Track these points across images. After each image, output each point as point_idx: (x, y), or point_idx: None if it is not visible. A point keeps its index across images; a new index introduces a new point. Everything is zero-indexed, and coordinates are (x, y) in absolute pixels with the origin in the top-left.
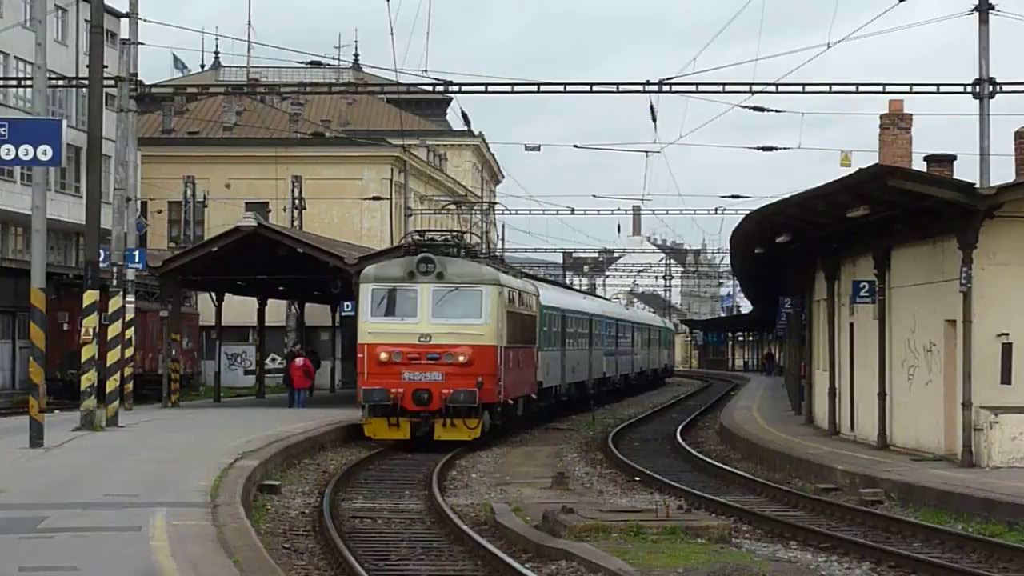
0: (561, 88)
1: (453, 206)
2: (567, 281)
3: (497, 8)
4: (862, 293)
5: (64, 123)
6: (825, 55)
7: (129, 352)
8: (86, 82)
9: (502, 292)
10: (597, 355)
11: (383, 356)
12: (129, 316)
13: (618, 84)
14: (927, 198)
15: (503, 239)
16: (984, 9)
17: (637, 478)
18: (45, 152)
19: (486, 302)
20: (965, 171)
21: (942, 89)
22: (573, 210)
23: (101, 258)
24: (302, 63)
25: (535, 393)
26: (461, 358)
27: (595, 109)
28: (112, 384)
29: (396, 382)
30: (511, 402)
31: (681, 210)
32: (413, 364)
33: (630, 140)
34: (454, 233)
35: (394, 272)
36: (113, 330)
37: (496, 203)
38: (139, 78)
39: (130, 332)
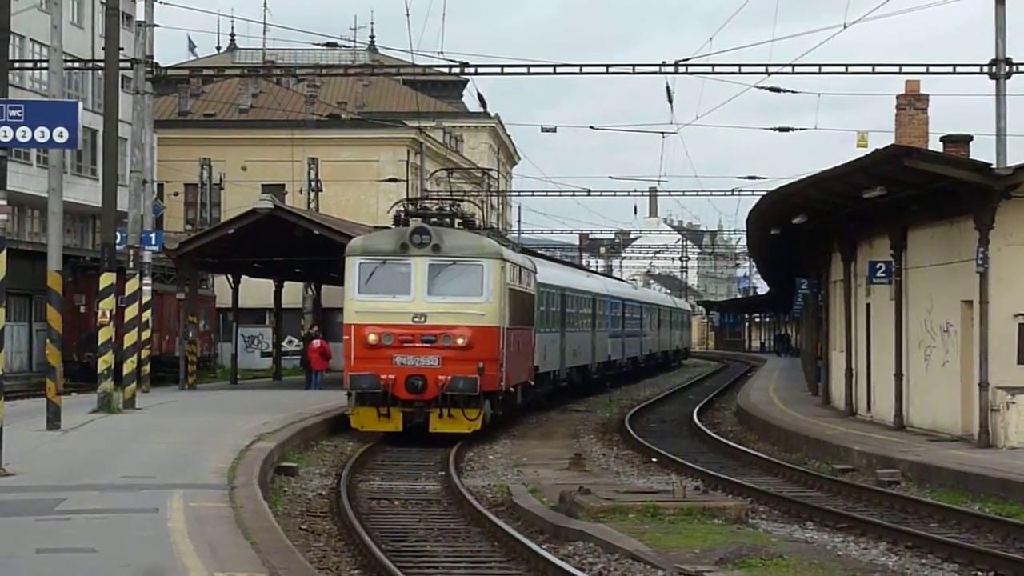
0: (577, 69)
1: (444, 173)
2: (583, 262)
3: None
4: (879, 274)
5: (80, 105)
6: (842, 38)
7: (146, 334)
8: (102, 64)
9: (504, 267)
10: (601, 337)
11: (372, 338)
12: (146, 298)
13: (634, 65)
14: (944, 178)
15: (520, 220)
16: None
17: (654, 459)
18: (61, 134)
19: (488, 278)
20: (982, 151)
21: (958, 70)
22: (589, 191)
23: (118, 240)
24: (318, 45)
25: (532, 379)
26: (460, 340)
27: (617, 93)
28: (129, 366)
29: (386, 367)
30: (512, 390)
31: (698, 191)
32: (406, 347)
33: (649, 123)
34: (449, 201)
35: (384, 244)
36: (130, 312)
37: (491, 169)
38: (155, 60)
39: (147, 314)
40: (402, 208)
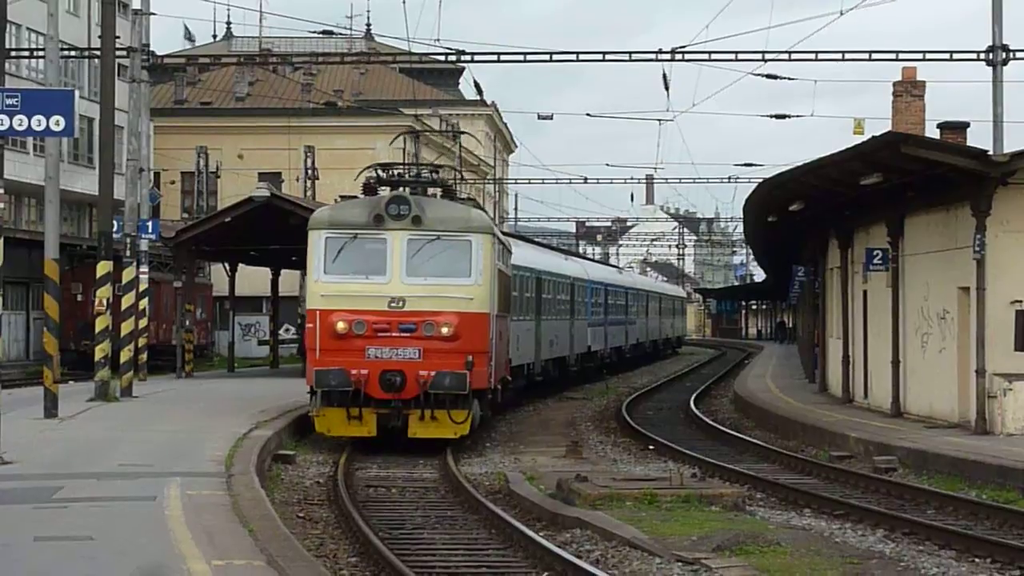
0: (574, 57)
1: (404, 137)
2: (580, 250)
3: None
4: (875, 261)
5: (76, 93)
6: (840, 28)
7: (143, 323)
8: (98, 53)
9: (494, 244)
10: (580, 326)
11: (340, 327)
12: (143, 287)
13: (631, 52)
14: (940, 165)
15: (516, 208)
16: None
17: (651, 447)
18: (58, 123)
19: (477, 256)
20: (978, 138)
21: (955, 56)
22: (586, 179)
23: (114, 229)
24: (314, 33)
25: (509, 374)
26: (444, 329)
27: (619, 83)
28: (126, 355)
29: (358, 361)
30: (498, 387)
31: (694, 179)
32: (381, 337)
33: (648, 111)
34: (429, 167)
35: (355, 216)
36: (127, 301)
37: (463, 132)
38: (151, 49)
39: (144, 303)
40: (372, 175)
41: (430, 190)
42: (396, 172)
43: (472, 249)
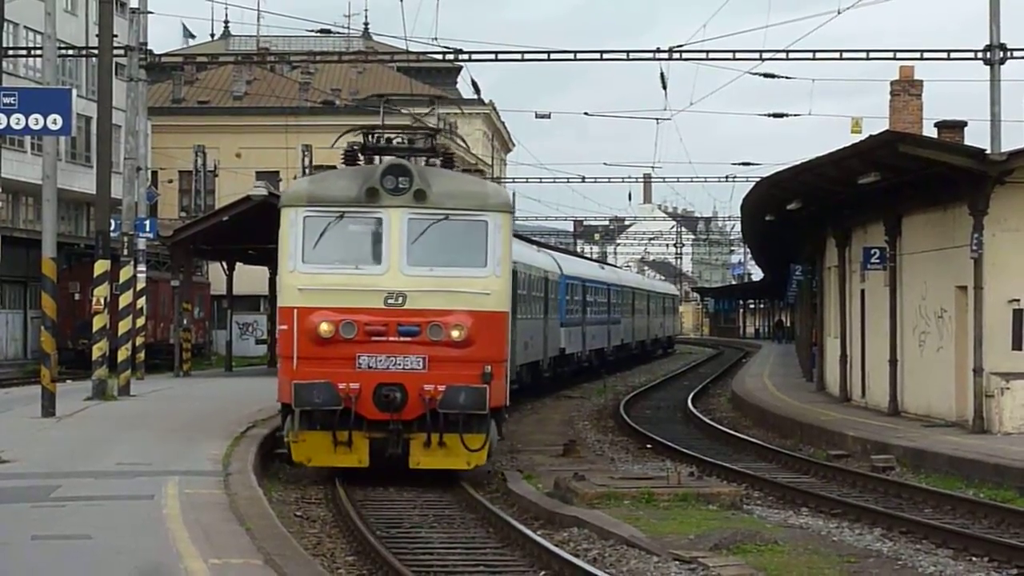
0: (571, 56)
1: (377, 98)
2: (578, 249)
3: None
4: (873, 260)
5: (74, 92)
6: (838, 27)
7: (140, 321)
8: (96, 52)
9: (512, 227)
10: (553, 325)
11: (324, 329)
12: (140, 286)
13: (628, 51)
14: (938, 164)
15: (514, 207)
16: None
17: (648, 445)
18: (55, 121)
19: (495, 241)
20: (976, 137)
21: (953, 56)
22: (584, 178)
23: (112, 228)
24: (312, 32)
25: None
26: (455, 333)
27: (620, 84)
28: (124, 353)
29: (347, 372)
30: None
31: (692, 178)
32: (376, 343)
33: (647, 110)
34: (425, 131)
35: (342, 189)
36: (124, 299)
37: (441, 96)
38: (149, 47)
39: (141, 302)
40: (357, 141)
41: (423, 160)
42: (385, 137)
43: (489, 232)
